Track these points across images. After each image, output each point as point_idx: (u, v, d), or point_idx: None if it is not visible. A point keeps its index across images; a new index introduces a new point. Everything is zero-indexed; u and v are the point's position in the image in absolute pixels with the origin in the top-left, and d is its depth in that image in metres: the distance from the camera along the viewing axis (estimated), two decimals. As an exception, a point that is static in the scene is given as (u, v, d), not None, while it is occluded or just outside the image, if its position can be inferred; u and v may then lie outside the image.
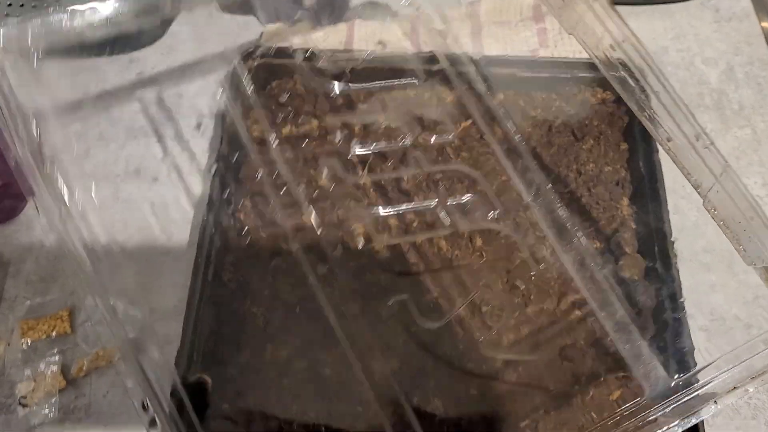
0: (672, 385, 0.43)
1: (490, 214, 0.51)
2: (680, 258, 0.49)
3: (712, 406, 0.38)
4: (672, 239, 0.47)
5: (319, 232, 0.50)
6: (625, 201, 0.51)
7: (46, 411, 0.47)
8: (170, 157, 0.58)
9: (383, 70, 0.55)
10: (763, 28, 0.63)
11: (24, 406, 0.47)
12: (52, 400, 0.47)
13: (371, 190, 0.52)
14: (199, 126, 0.59)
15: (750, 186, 0.56)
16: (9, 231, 0.54)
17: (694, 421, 0.37)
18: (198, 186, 0.55)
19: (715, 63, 0.62)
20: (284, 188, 0.52)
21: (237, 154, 0.52)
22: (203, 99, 0.60)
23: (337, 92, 0.55)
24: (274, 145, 0.54)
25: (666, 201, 0.49)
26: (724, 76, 0.61)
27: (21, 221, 0.54)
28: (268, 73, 0.56)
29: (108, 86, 0.61)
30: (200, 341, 0.45)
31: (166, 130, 0.59)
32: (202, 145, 0.58)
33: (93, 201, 0.55)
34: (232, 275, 0.48)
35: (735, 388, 0.38)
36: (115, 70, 0.62)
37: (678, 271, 0.46)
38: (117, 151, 0.58)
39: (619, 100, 0.55)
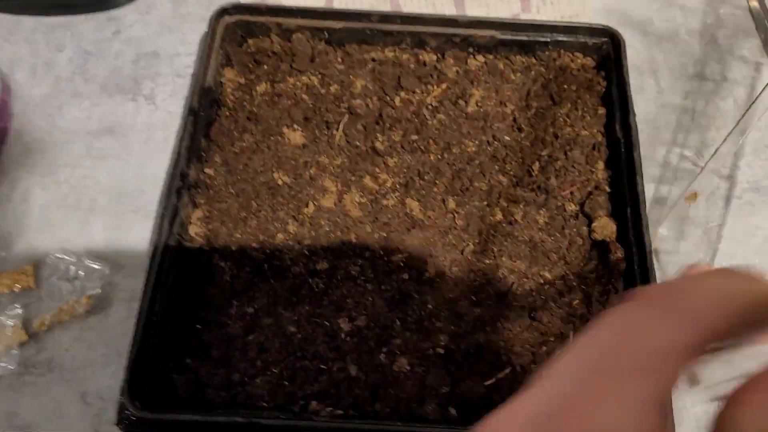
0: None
1: (464, 176, 0.50)
2: (652, 221, 0.49)
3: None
4: (644, 202, 0.46)
5: (289, 190, 0.49)
6: (601, 165, 0.50)
7: (6, 364, 0.46)
8: (144, 114, 0.57)
9: (362, 31, 0.55)
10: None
11: (-16, 358, 0.46)
12: (13, 353, 0.46)
13: (345, 149, 0.51)
14: (174, 85, 0.58)
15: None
16: (-24, 185, 0.53)
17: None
18: (171, 144, 0.55)
19: (699, 35, 0.61)
20: (256, 146, 0.51)
21: (210, 111, 0.51)
22: (180, 58, 0.59)
23: (315, 51, 0.54)
24: (248, 103, 0.53)
25: (641, 165, 0.48)
26: (708, 47, 0.60)
27: (-12, 176, 0.54)
28: (245, 31, 0.55)
29: (84, 44, 0.60)
30: (163, 295, 0.44)
31: (141, 88, 0.58)
32: (176, 103, 0.57)
33: (65, 156, 0.55)
34: (199, 230, 0.48)
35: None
36: (92, 29, 0.61)
37: (649, 234, 0.45)
38: (90, 108, 0.57)
39: (598, 66, 0.55)
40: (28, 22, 0.61)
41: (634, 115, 0.50)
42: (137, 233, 0.51)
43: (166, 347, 0.44)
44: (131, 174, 0.54)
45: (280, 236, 0.48)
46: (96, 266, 0.50)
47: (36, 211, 0.52)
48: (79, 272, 0.50)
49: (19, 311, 0.48)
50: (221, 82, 0.53)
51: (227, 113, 0.52)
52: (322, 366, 0.43)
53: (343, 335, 0.45)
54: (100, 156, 0.55)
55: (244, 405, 0.41)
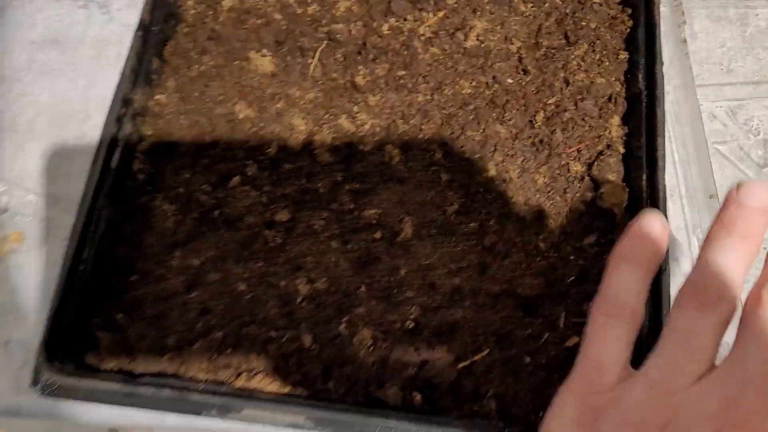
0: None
1: (455, 123, 0.43)
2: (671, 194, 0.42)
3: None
4: (663, 169, 0.39)
5: (251, 125, 0.42)
6: (616, 120, 0.43)
7: None
8: (96, 25, 0.49)
9: (350, -59, 0.46)
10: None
11: None
12: (-71, 292, 0.41)
13: (320, 81, 0.44)
14: (132, -7, 0.50)
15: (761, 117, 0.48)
16: None
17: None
18: (122, 62, 0.47)
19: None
20: (216, 71, 0.44)
21: (165, 27, 0.44)
22: (141, -38, 0.51)
23: (293, -37, 0.47)
24: (211, 20, 0.45)
25: (664, 126, 0.41)
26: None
27: None
28: (213, -67, 0.47)
29: (32, -62, 0.52)
30: (93, 239, 0.38)
31: (94, -6, 0.50)
32: (134, 15, 0.49)
33: (2, 69, 0.48)
34: (143, 165, 0.41)
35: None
36: None
37: (666, 207, 0.39)
38: (34, 14, 0.49)
39: (625, 1, 0.47)
40: None
41: (662, 63, 0.42)
42: (79, 163, 0.45)
43: (94, 299, 0.38)
44: (77, 94, 0.47)
45: (236, 179, 0.41)
46: (29, 197, 0.44)
47: (-35, 129, 0.46)
48: (10, 203, 0.44)
49: (-64, 244, 0.42)
50: (181, -7, 0.46)
51: (186, 30, 0.45)
52: (272, 334, 0.38)
53: (299, 299, 0.39)
54: (42, 71, 0.48)
55: (175, 375, 0.36)
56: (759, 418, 0.22)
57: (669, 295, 0.37)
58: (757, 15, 0.51)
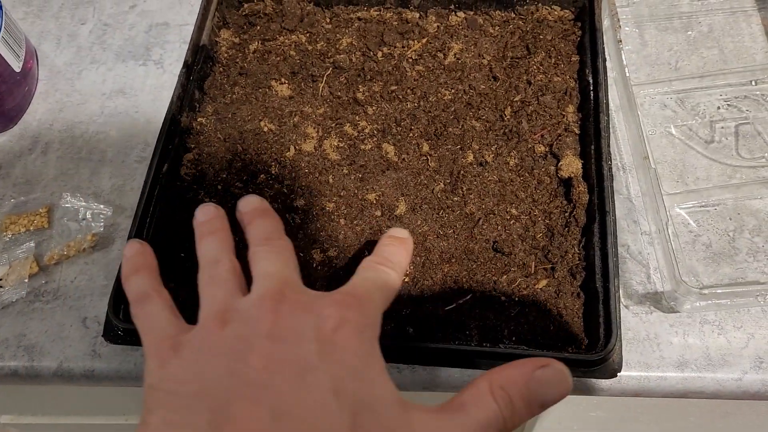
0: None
1: (439, 122, 0.53)
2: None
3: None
4: (607, 138, 0.47)
5: (273, 136, 0.53)
6: (572, 108, 0.52)
7: (18, 291, 0.51)
8: (153, 77, 0.62)
9: (349, -7, 0.58)
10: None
11: (-1, 287, 0.52)
12: (24, 283, 0.51)
13: (328, 99, 0.55)
14: (180, 50, 0.63)
15: (712, 102, 0.55)
16: (3, 140, 0.59)
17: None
18: (173, 101, 0.59)
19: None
20: (245, 98, 0.55)
21: (204, 67, 0.56)
22: (187, 27, 0.64)
23: (304, 12, 0.58)
24: (240, 60, 0.57)
25: (607, 105, 0.49)
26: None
27: (14, 132, 0.59)
28: (242, -5, 0.59)
29: (104, 17, 0.66)
30: (150, 225, 0.48)
31: (151, 54, 0.63)
32: (180, 67, 0.62)
33: (81, 115, 0.60)
34: (189, 170, 0.52)
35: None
36: (111, 3, 0.67)
37: (611, 170, 0.46)
38: (105, 73, 0.62)
39: (576, 17, 0.56)
40: (56, 0, 0.68)
41: (605, 59, 0.51)
42: (140, 180, 0.56)
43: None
44: (138, 129, 0.59)
45: (262, 176, 0.51)
46: (101, 209, 0.55)
47: (53, 162, 0.57)
48: (87, 214, 0.54)
49: (32, 246, 0.53)
50: (216, 42, 0.58)
51: (221, 69, 0.57)
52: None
53: (314, 264, 0.48)
54: (112, 114, 0.60)
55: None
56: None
57: (615, 247, 0.44)
58: (699, 22, 0.59)
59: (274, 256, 0.38)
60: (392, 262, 0.40)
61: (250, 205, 0.42)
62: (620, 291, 0.46)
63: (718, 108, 0.55)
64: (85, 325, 0.50)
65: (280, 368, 0.30)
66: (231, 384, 0.30)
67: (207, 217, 0.42)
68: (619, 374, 0.42)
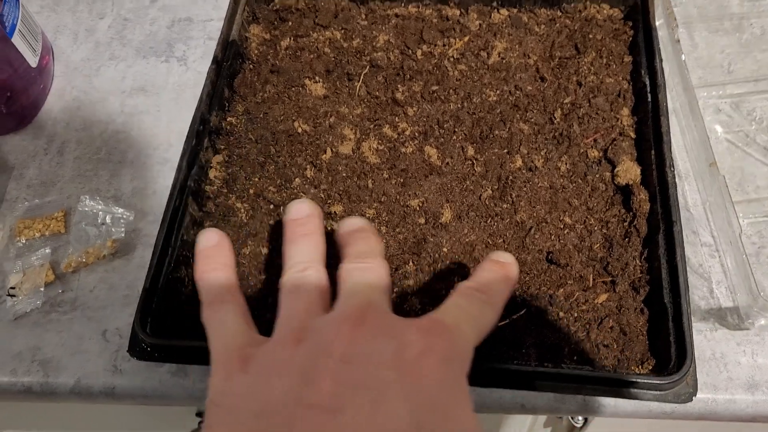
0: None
1: (484, 125, 0.49)
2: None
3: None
4: (669, 143, 0.44)
5: (308, 137, 0.50)
6: (626, 111, 0.49)
7: (33, 301, 0.48)
8: (176, 74, 0.59)
9: (385, -12, 0.55)
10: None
11: (12, 296, 0.48)
12: (40, 292, 0.48)
13: (365, 99, 0.52)
14: (205, 47, 0.59)
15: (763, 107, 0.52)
16: (17, 139, 0.55)
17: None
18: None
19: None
20: (277, 97, 0.52)
21: (234, 64, 0.53)
22: (212, 23, 0.61)
23: (339, 8, 0.55)
24: (271, 57, 0.54)
25: (667, 107, 0.46)
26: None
27: (29, 131, 0.56)
28: (272, -10, 0.56)
29: (123, 12, 0.63)
30: (179, 231, 0.45)
31: (174, 51, 0.60)
32: (206, 64, 0.58)
33: (99, 113, 0.57)
34: (219, 173, 0.48)
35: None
36: (130, -2, 0.64)
37: (675, 177, 0.43)
38: (125, 70, 0.59)
39: (626, 16, 0.54)
40: (72, -7, 0.64)
41: (661, 59, 0.48)
42: (162, 183, 0.53)
43: (180, 281, 0.44)
44: (160, 129, 0.55)
45: (297, 181, 0.48)
46: (122, 213, 0.51)
47: (70, 162, 0.54)
48: (106, 218, 0.51)
49: (48, 252, 0.50)
50: (246, 37, 0.54)
51: (251, 66, 0.53)
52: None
53: (355, 275, 0.44)
54: (132, 113, 0.56)
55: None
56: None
57: (684, 260, 0.41)
58: (751, 24, 0.57)
59: (364, 276, 0.35)
60: (491, 292, 0.35)
61: (351, 227, 0.39)
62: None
63: (776, 113, 0.52)
64: (105, 338, 0.47)
65: (352, 394, 0.27)
66: (295, 407, 0.27)
67: (300, 215, 0.39)
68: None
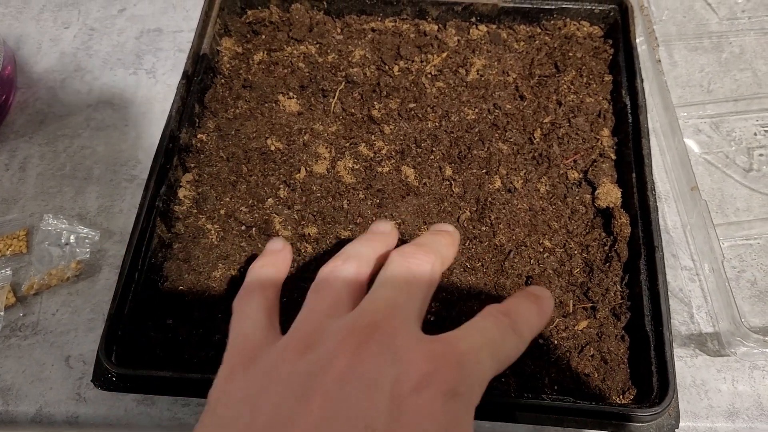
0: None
1: (463, 144, 0.48)
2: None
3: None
4: (650, 165, 0.44)
5: (281, 155, 0.48)
6: (606, 132, 0.48)
7: (-8, 325, 0.45)
8: (144, 87, 0.57)
9: (361, 1, 0.54)
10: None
11: (-30, 320, 0.46)
12: (0, 315, 0.46)
13: (340, 116, 0.50)
14: (175, 59, 0.58)
15: (748, 127, 0.52)
16: (-24, 154, 0.53)
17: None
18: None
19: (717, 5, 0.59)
20: (250, 113, 0.50)
21: (205, 78, 0.51)
22: (182, 34, 0.59)
23: (313, 21, 0.54)
24: (244, 71, 0.52)
25: (648, 129, 0.45)
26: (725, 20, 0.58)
27: (-11, 145, 0.54)
28: (244, 2, 0.54)
29: (90, 21, 0.61)
30: (146, 254, 0.43)
31: (143, 63, 0.58)
32: (176, 77, 0.56)
33: (64, 127, 0.55)
34: (188, 192, 0.47)
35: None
36: (98, 6, 0.61)
37: (656, 201, 0.43)
38: (92, 82, 0.57)
39: (606, 34, 0.53)
40: (37, 1, 0.62)
41: (642, 80, 0.48)
42: (130, 201, 0.51)
43: (147, 307, 0.42)
44: (128, 145, 0.54)
45: (270, 201, 0.46)
46: (87, 232, 0.49)
47: (33, 179, 0.52)
48: (71, 238, 0.49)
49: (9, 273, 0.47)
50: (218, 51, 0.53)
51: (222, 81, 0.52)
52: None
53: (329, 300, 0.43)
54: (99, 127, 0.54)
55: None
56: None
57: (666, 286, 0.40)
58: (730, 43, 0.56)
59: (404, 268, 0.32)
60: (520, 320, 0.31)
61: (438, 226, 0.37)
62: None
63: (755, 134, 0.52)
64: (68, 364, 0.45)
65: (339, 419, 0.25)
66: (283, 425, 0.25)
67: (385, 230, 0.36)
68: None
